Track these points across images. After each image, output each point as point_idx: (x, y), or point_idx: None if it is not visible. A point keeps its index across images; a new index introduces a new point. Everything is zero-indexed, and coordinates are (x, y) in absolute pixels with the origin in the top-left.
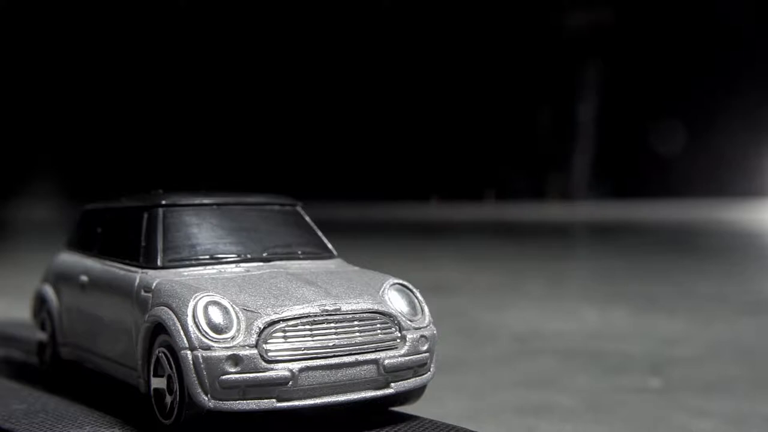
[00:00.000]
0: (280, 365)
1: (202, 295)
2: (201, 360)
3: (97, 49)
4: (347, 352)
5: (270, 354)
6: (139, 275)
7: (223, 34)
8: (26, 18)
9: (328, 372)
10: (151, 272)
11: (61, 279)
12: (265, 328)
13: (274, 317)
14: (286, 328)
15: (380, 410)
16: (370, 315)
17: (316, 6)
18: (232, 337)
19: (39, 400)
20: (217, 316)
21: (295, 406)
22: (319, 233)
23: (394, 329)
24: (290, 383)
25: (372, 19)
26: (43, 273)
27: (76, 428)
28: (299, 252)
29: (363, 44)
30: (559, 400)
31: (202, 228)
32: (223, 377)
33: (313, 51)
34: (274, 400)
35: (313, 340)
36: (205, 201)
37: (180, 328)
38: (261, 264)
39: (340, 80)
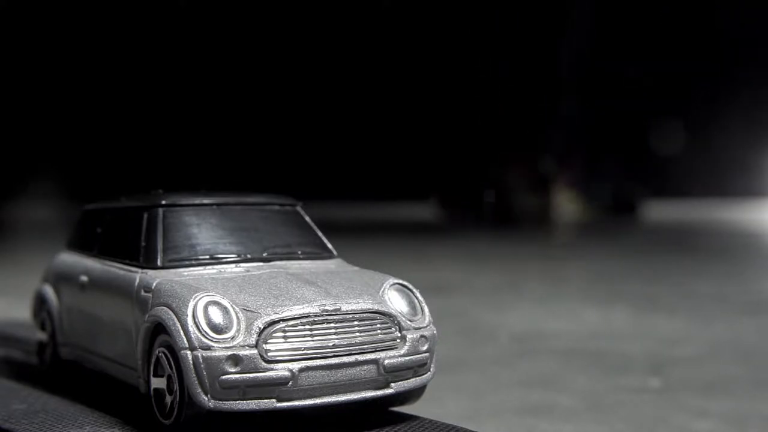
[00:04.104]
0: (280, 365)
1: (202, 295)
2: (201, 360)
3: (97, 49)
4: (347, 352)
5: (270, 354)
6: (139, 275)
7: (223, 34)
8: (26, 18)
9: (328, 372)
10: (151, 272)
11: (61, 279)
12: (265, 328)
13: (274, 317)
14: (286, 328)
15: (380, 410)
16: (370, 315)
17: (316, 6)
18: (232, 337)
19: (39, 400)
20: (217, 316)
21: (295, 406)
22: (319, 233)
23: (394, 329)
24: (290, 383)
25: (372, 19)
26: (43, 273)
27: (76, 428)
28: (299, 252)
29: (362, 44)
30: (559, 400)
31: (202, 228)
32: (223, 377)
33: (312, 51)
34: (274, 400)
35: (313, 340)
36: (205, 201)
37: (180, 328)
38: (261, 264)
39: (340, 80)
